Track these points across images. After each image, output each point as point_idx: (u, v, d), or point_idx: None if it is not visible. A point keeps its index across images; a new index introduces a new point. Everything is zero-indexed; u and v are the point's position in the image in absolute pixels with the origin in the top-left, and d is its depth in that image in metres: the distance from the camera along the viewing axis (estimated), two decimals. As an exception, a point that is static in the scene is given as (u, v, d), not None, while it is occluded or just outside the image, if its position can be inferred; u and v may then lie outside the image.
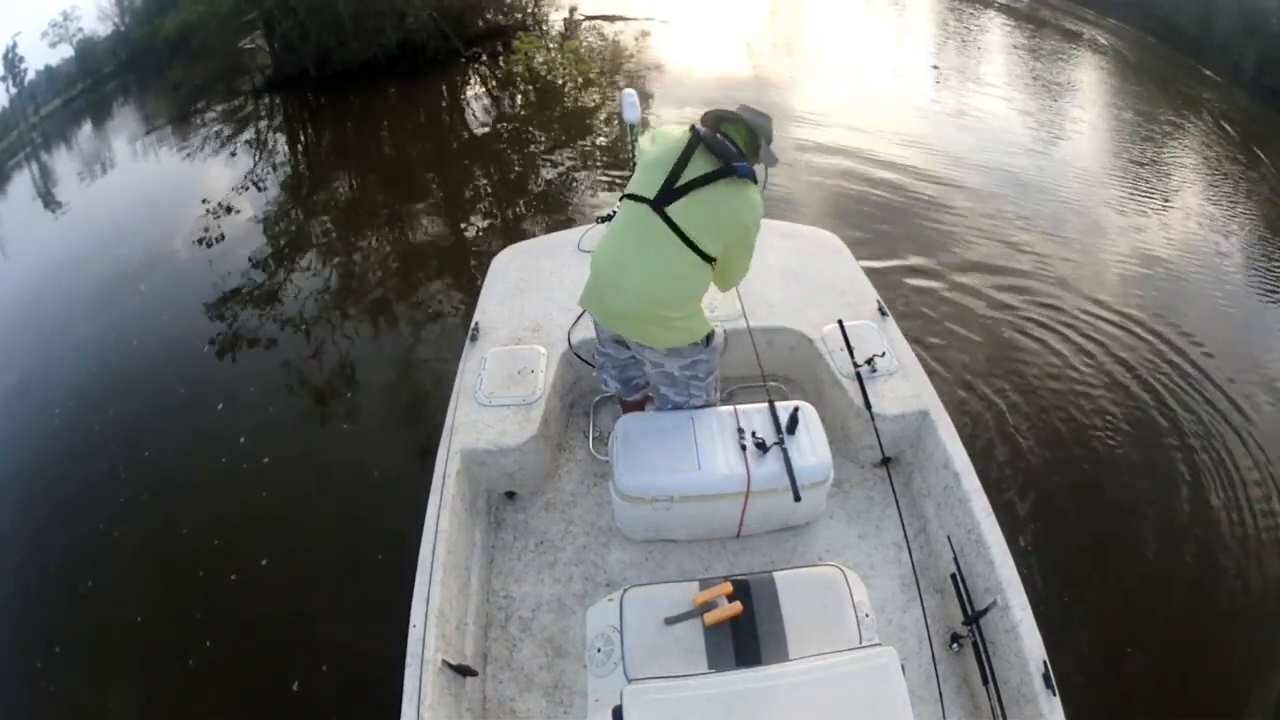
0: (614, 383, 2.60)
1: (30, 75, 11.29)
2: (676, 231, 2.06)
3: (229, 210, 6.78)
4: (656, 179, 2.08)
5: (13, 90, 11.06)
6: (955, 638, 2.24)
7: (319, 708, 2.87)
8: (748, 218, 2.11)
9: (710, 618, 1.91)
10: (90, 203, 7.95)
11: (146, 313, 5.40)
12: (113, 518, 3.72)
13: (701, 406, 2.48)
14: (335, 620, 3.11)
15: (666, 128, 2.20)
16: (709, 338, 2.32)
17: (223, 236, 6.35)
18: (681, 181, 2.06)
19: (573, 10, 10.97)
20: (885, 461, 2.53)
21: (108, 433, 4.22)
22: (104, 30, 12.22)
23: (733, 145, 2.09)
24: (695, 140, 2.09)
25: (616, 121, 7.42)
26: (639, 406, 2.74)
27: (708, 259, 2.11)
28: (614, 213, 2.30)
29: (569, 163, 7.03)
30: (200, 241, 6.29)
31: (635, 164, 2.27)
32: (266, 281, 5.65)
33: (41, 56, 11.40)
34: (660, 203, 2.07)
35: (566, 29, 10.57)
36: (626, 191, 2.18)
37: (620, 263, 2.16)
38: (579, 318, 2.95)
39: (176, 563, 3.48)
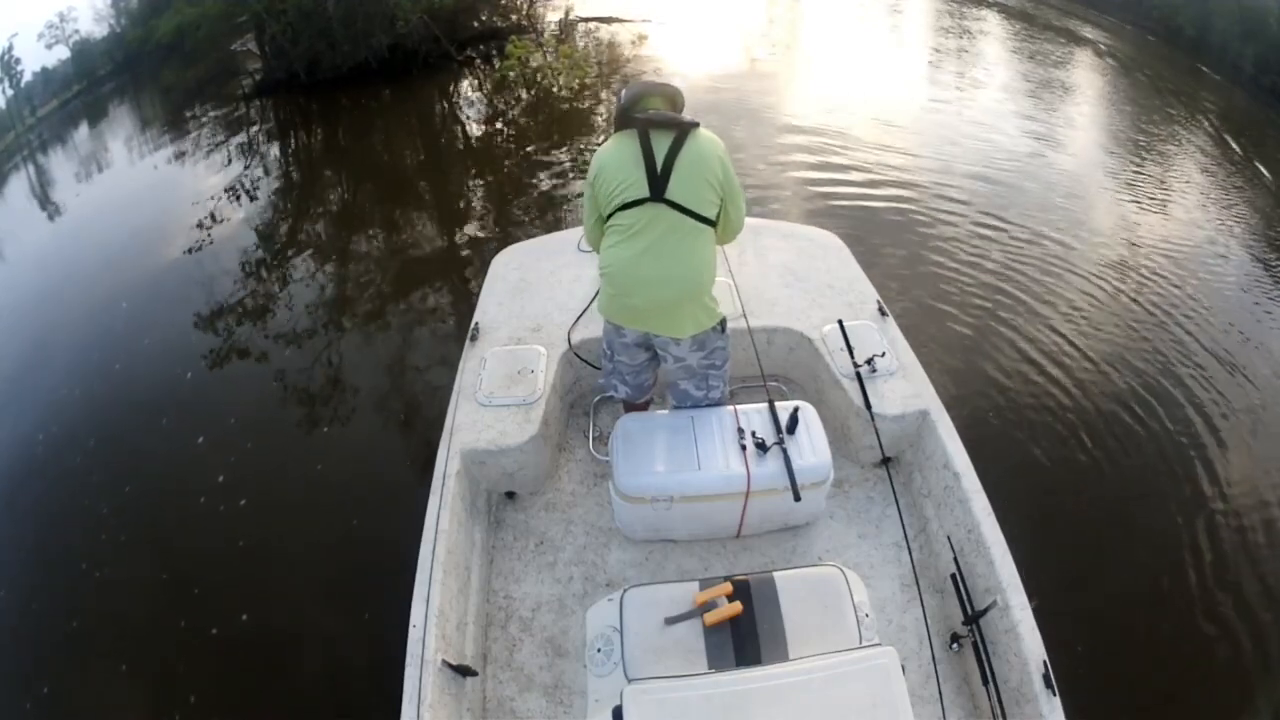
0: (624, 388, 2.61)
1: (27, 77, 11.26)
2: (682, 210, 2.16)
3: (217, 220, 6.70)
4: (638, 177, 2.17)
5: (9, 92, 11.03)
6: (955, 638, 2.24)
7: (319, 709, 2.86)
8: (720, 152, 2.25)
9: (710, 618, 1.90)
10: (81, 209, 7.88)
11: (130, 333, 5.24)
12: (97, 557, 3.59)
13: (719, 400, 2.51)
14: (335, 621, 3.09)
15: (603, 145, 2.32)
16: (723, 323, 2.39)
17: (210, 248, 6.25)
18: (660, 165, 2.16)
19: (568, 12, 10.96)
20: (885, 461, 2.53)
21: (90, 463, 4.11)
22: (100, 32, 12.21)
23: (667, 112, 2.27)
24: (643, 126, 2.20)
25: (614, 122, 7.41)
26: (643, 407, 2.74)
27: (711, 223, 2.23)
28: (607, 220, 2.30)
29: (566, 164, 7.02)
30: (187, 252, 6.21)
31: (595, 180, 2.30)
32: (251, 297, 5.54)
33: (38, 58, 11.38)
34: (658, 193, 2.16)
35: (562, 31, 10.56)
36: (614, 205, 2.21)
37: (642, 261, 2.19)
38: (579, 318, 2.96)
39: (168, 589, 3.41)
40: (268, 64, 9.87)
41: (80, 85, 11.78)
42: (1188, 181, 7.41)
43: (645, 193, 2.16)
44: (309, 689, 2.93)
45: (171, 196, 7.40)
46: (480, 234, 6.11)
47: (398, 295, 5.38)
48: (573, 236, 3.45)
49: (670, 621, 1.93)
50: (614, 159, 2.23)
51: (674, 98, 2.36)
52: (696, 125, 2.22)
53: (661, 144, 2.17)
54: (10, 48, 11.07)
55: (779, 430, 2.35)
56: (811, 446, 2.33)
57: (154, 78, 11.60)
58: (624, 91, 2.36)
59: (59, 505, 3.92)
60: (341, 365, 4.71)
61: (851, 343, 2.73)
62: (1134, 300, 5.12)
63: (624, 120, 2.27)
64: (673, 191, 2.15)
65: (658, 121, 2.21)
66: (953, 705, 2.12)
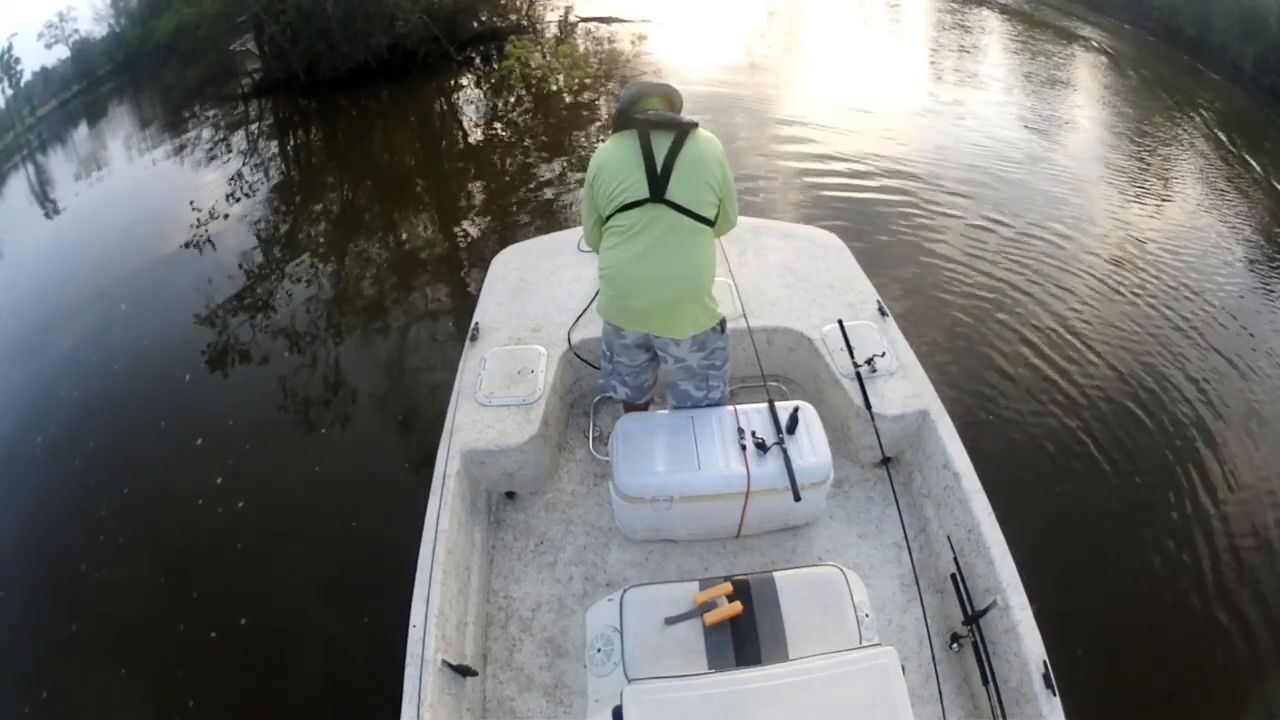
0: (624, 389, 2.61)
1: (26, 76, 11.26)
2: (682, 210, 2.16)
3: (216, 219, 6.68)
4: (638, 178, 2.17)
5: (9, 91, 11.02)
6: (955, 638, 2.24)
7: (319, 709, 2.85)
8: (719, 153, 2.26)
9: (710, 618, 1.90)
10: (81, 209, 7.84)
11: (129, 334, 5.21)
12: (97, 559, 3.57)
13: (719, 400, 2.51)
14: (335, 621, 3.10)
15: (602, 146, 2.31)
16: (723, 323, 2.39)
17: (209, 249, 6.23)
18: (660, 166, 2.16)
19: (568, 12, 10.95)
20: (885, 461, 2.53)
21: (89, 465, 4.09)
22: (99, 32, 12.21)
23: (666, 113, 2.28)
24: (643, 127, 2.20)
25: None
26: (643, 408, 2.74)
27: (710, 223, 2.24)
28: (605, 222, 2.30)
29: (566, 164, 7.02)
30: (186, 250, 6.19)
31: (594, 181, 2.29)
32: (250, 298, 5.50)
33: (38, 58, 11.37)
34: (658, 193, 2.15)
35: (562, 31, 10.56)
36: (614, 206, 2.21)
37: (641, 262, 2.19)
38: (579, 317, 2.96)
39: (168, 590, 3.40)
40: (267, 64, 9.87)
41: (80, 85, 11.77)
42: (1189, 181, 7.41)
43: (645, 193, 2.16)
44: (309, 689, 2.93)
45: (171, 197, 7.37)
46: (480, 234, 6.10)
47: (397, 295, 5.38)
48: (573, 236, 3.45)
49: (670, 621, 1.93)
50: (613, 160, 2.22)
51: (672, 98, 2.36)
52: (696, 125, 2.22)
53: (661, 144, 2.17)
54: (10, 47, 11.07)
55: (779, 430, 2.35)
56: (811, 446, 2.33)
57: (153, 78, 11.59)
58: (622, 92, 2.36)
59: (59, 507, 3.91)
60: (341, 366, 4.71)
61: (851, 343, 2.73)
62: (1136, 299, 5.11)
63: (623, 121, 2.27)
64: (673, 192, 2.15)
65: (657, 122, 2.20)
66: (953, 705, 2.12)
